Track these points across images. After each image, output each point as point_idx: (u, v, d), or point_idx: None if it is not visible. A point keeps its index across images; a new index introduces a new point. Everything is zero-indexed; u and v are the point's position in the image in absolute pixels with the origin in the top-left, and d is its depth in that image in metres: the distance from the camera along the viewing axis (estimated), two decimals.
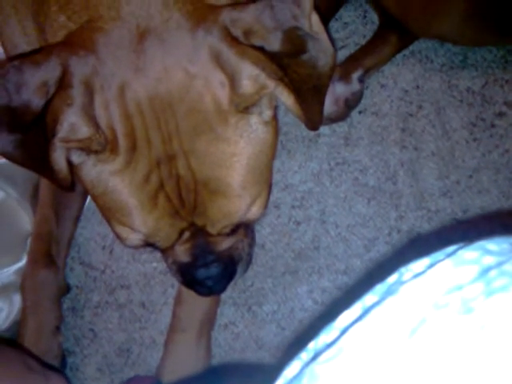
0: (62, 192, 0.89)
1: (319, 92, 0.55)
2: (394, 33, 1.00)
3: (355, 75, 0.99)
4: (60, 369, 0.90)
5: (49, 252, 0.91)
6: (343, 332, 0.33)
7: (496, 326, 0.27)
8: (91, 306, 0.98)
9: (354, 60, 1.00)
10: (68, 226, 0.95)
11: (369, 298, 0.36)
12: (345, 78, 0.99)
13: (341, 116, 1.00)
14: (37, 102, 0.50)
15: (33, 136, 0.52)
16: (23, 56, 0.52)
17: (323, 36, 0.51)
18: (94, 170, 0.55)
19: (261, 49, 0.50)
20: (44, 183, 0.91)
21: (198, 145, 0.54)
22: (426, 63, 1.05)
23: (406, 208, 0.98)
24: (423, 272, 0.34)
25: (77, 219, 0.97)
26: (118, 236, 0.59)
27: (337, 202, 0.99)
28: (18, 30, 0.64)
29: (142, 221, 0.56)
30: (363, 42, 1.04)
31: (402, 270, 0.36)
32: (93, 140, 0.52)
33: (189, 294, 0.83)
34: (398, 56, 1.04)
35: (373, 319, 0.32)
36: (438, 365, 0.28)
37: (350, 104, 0.99)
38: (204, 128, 0.53)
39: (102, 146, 0.52)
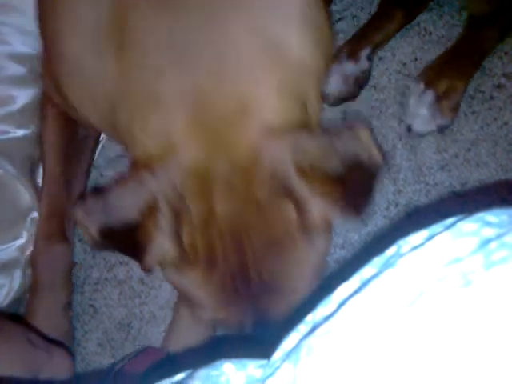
0: (69, 169, 0.91)
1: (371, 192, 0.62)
2: (399, 8, 0.99)
3: (363, 53, 0.97)
4: (68, 344, 0.91)
5: (63, 228, 0.91)
6: (341, 305, 0.33)
7: (495, 299, 0.27)
8: (91, 283, 0.98)
9: (361, 38, 0.99)
10: (74, 202, 0.95)
11: (367, 271, 0.36)
12: (353, 56, 0.97)
13: (351, 95, 0.99)
14: (131, 220, 0.57)
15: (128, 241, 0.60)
16: (118, 182, 0.60)
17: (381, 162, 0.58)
18: (174, 275, 0.62)
19: (327, 177, 0.55)
20: (51, 160, 0.91)
21: (270, 261, 0.60)
22: (425, 35, 1.03)
23: (404, 182, 0.98)
24: (422, 244, 0.33)
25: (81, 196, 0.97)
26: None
27: None
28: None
29: (213, 314, 0.64)
30: (361, 14, 1.03)
31: (401, 242, 0.36)
32: (177, 258, 0.59)
33: None
34: None
35: (371, 292, 0.32)
36: (436, 338, 0.28)
37: (360, 83, 0.98)
38: (274, 249, 0.59)
39: (184, 261, 0.60)
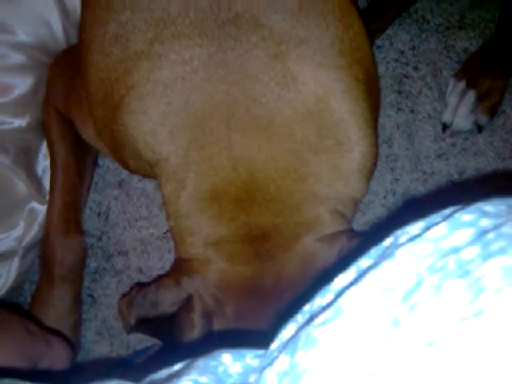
0: (80, 161, 0.91)
1: None
2: None
3: None
4: (76, 335, 0.91)
5: (79, 220, 0.92)
6: (338, 295, 0.33)
7: (494, 290, 0.27)
8: (89, 272, 0.98)
9: None
10: (85, 194, 0.95)
11: (364, 262, 0.36)
12: None
13: None
14: (166, 315, 0.62)
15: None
16: (160, 280, 0.64)
17: None
18: None
19: None
20: (63, 152, 0.90)
21: None
22: (423, 23, 1.03)
23: (401, 171, 0.98)
24: (419, 235, 0.33)
25: (89, 187, 0.97)
26: None
27: None
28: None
29: None
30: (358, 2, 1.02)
31: (398, 232, 0.36)
32: None
33: None
34: None
35: (368, 282, 0.32)
36: (434, 327, 0.28)
37: None
38: None
39: None
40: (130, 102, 0.65)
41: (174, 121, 0.63)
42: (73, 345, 0.88)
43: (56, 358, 0.74)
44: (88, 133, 0.82)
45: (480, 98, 0.93)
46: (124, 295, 0.67)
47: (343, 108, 0.64)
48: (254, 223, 0.61)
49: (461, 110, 0.94)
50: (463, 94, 0.94)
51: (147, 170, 0.70)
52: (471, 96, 0.93)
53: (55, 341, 0.77)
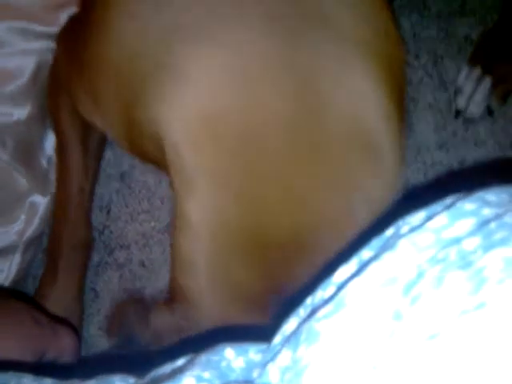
0: (89, 153, 0.90)
1: None
2: None
3: None
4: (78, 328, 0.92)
5: (88, 213, 0.92)
6: (340, 287, 0.33)
7: (495, 281, 0.27)
8: (91, 266, 0.98)
9: None
10: (94, 186, 0.94)
11: (366, 253, 0.35)
12: None
13: None
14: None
15: None
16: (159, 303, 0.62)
17: None
18: None
19: None
20: (75, 145, 0.89)
21: None
22: (423, 10, 1.02)
23: None
24: (421, 225, 0.33)
25: (97, 179, 0.96)
26: None
27: None
28: None
29: None
30: None
31: (400, 223, 0.36)
32: None
33: None
34: (394, 3, 1.01)
35: (370, 274, 0.32)
36: (436, 320, 0.28)
37: None
38: None
39: None
40: (158, 86, 0.51)
41: (212, 129, 0.50)
42: (79, 334, 0.88)
43: (63, 347, 0.74)
44: (85, 103, 0.76)
45: (495, 85, 0.93)
46: (124, 302, 0.66)
47: (392, 133, 0.59)
48: (278, 276, 0.53)
49: (476, 96, 0.93)
50: (479, 80, 0.93)
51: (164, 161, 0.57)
52: (487, 82, 0.93)
53: (62, 330, 0.77)
